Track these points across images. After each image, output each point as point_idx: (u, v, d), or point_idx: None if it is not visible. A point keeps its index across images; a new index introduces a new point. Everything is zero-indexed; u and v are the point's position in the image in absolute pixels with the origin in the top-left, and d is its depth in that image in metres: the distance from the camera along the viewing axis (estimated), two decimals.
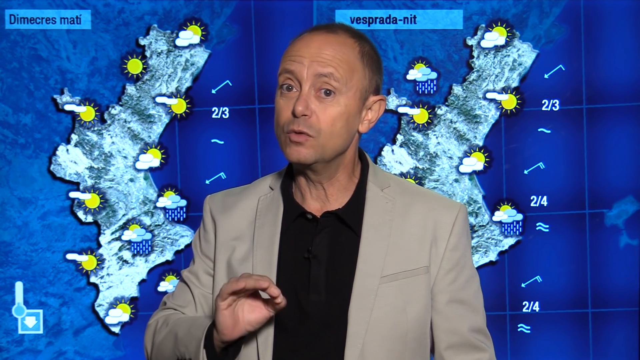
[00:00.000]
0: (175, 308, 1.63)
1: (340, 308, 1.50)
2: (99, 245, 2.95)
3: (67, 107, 2.92)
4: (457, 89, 2.92)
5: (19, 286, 2.94)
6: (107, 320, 2.95)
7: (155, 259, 2.96)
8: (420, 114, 2.93)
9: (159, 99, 2.93)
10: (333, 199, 1.54)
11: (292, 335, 1.50)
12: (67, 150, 2.93)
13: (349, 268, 1.51)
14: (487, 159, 2.93)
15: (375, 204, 1.54)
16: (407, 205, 1.56)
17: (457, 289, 1.57)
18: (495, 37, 2.90)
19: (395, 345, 1.52)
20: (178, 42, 2.92)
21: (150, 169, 2.95)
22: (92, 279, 2.95)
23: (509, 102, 2.91)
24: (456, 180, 2.94)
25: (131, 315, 2.96)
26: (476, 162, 2.93)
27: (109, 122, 2.94)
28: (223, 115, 2.93)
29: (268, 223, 1.53)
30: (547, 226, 2.93)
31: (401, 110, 2.93)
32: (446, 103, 2.93)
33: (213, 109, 2.94)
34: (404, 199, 1.56)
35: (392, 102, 2.93)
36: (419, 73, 2.92)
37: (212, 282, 1.59)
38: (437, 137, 2.93)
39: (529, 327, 2.94)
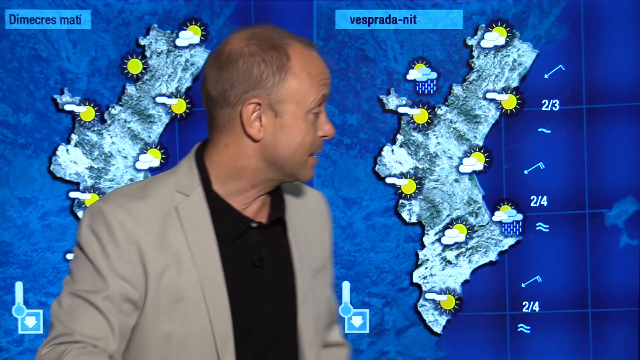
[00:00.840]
0: (83, 340, 1.37)
1: (290, 311, 1.49)
2: None
3: (67, 107, 2.92)
4: (457, 89, 2.92)
5: (19, 286, 2.94)
6: None
7: None
8: (420, 114, 2.93)
9: (159, 99, 2.93)
10: (269, 204, 1.52)
11: (252, 345, 1.45)
12: (67, 150, 2.93)
13: (287, 270, 1.50)
14: (487, 159, 2.93)
15: (282, 202, 1.53)
16: (298, 198, 1.57)
17: (332, 272, 1.65)
18: (495, 37, 2.90)
19: (321, 337, 1.58)
20: (178, 42, 2.92)
21: (150, 169, 2.95)
22: None
23: (509, 102, 2.91)
24: (456, 180, 2.94)
25: None
26: (476, 162, 2.93)
27: (109, 122, 2.94)
28: None
29: (200, 232, 1.42)
30: (547, 226, 2.93)
31: (401, 110, 2.93)
32: (446, 103, 2.93)
33: None
34: (292, 191, 1.58)
35: (392, 102, 2.93)
36: (419, 73, 2.92)
37: (141, 308, 1.41)
38: (437, 137, 2.93)
39: (529, 327, 2.94)
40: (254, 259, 1.45)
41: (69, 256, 2.93)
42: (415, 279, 2.96)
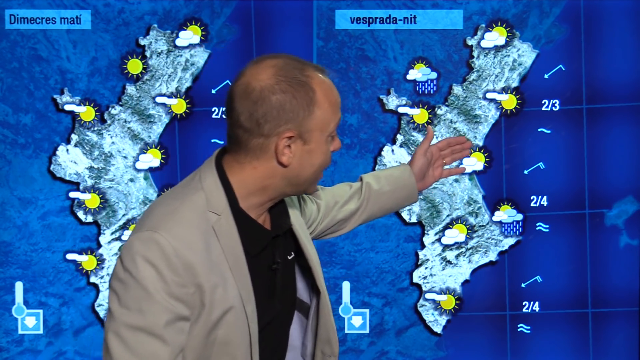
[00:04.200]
0: None
1: (290, 307, 1.69)
2: (99, 245, 2.95)
3: (67, 107, 2.92)
4: (457, 89, 2.92)
5: (19, 286, 2.94)
6: None
7: None
8: (420, 114, 2.93)
9: (159, 99, 2.93)
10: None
11: (267, 340, 1.61)
12: (67, 150, 2.93)
13: (290, 270, 1.68)
14: (487, 159, 2.93)
15: (285, 210, 1.69)
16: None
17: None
18: (495, 37, 2.90)
19: None
20: (178, 42, 2.92)
21: (150, 169, 2.95)
22: (92, 279, 2.95)
23: (509, 102, 2.91)
24: (456, 180, 2.94)
25: None
26: (476, 162, 2.93)
27: (109, 122, 2.94)
28: (223, 115, 2.93)
29: (233, 247, 1.56)
30: (547, 226, 2.93)
31: (401, 110, 2.93)
32: (446, 103, 2.93)
33: (213, 109, 2.94)
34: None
35: (392, 102, 2.93)
36: (419, 73, 2.92)
37: (195, 320, 1.52)
38: (437, 137, 2.93)
39: (529, 327, 2.94)
40: (270, 263, 1.61)
41: (69, 256, 2.94)
42: (415, 279, 2.96)
